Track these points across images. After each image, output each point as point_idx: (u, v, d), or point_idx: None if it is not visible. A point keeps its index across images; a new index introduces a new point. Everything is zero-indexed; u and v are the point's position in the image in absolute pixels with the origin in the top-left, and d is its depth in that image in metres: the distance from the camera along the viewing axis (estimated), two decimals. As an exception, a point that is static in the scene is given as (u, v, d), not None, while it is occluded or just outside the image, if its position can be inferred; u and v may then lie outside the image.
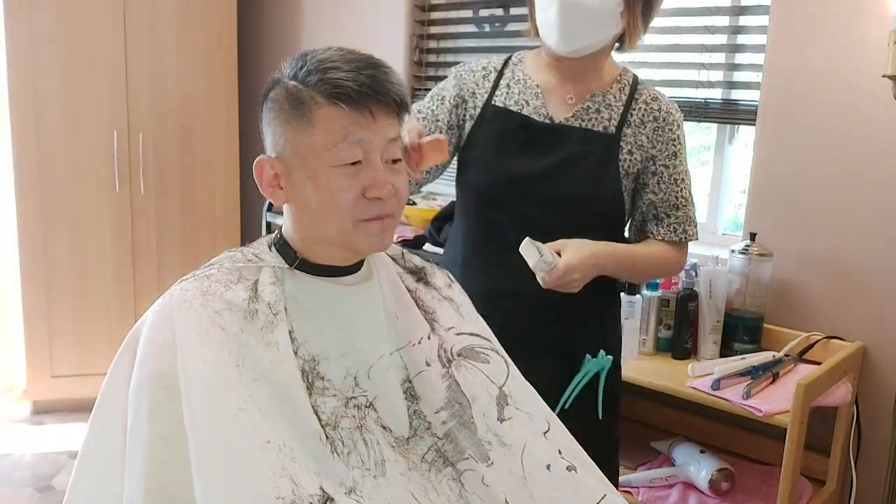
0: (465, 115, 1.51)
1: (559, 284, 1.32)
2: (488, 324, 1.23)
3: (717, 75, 2.14)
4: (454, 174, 1.55)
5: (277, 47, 3.21)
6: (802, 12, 1.89)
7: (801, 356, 1.86)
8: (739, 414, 1.64)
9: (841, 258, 1.88)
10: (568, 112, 1.45)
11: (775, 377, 1.73)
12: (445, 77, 1.57)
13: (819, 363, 1.77)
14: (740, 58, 2.10)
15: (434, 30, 2.77)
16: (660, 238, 1.48)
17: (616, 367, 1.51)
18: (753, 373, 1.74)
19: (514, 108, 1.47)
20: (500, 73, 1.51)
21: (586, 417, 1.44)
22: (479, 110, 1.49)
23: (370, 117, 0.97)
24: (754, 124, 2.01)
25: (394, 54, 2.74)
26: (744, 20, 2.08)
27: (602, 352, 1.45)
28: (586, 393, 1.45)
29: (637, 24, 1.41)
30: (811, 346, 1.87)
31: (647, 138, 1.45)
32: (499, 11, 2.59)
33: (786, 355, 1.85)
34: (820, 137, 1.89)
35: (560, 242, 1.34)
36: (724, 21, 2.11)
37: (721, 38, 2.12)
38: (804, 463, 1.70)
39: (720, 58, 2.12)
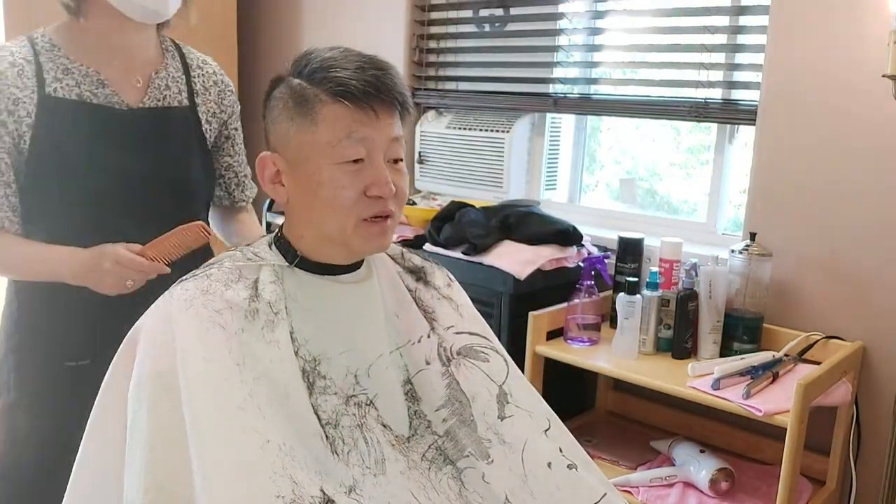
0: (20, 125, 1.26)
1: None
2: None
3: (717, 75, 2.14)
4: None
5: (277, 47, 3.21)
6: (802, 12, 1.89)
7: (801, 356, 1.86)
8: (739, 414, 1.63)
9: (841, 258, 1.88)
10: (142, 95, 1.36)
11: (775, 377, 1.73)
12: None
13: (819, 363, 1.77)
14: (740, 58, 2.10)
15: (434, 30, 2.76)
16: (244, 202, 1.60)
17: None
18: (753, 373, 1.73)
19: (79, 99, 1.30)
20: (38, 64, 1.28)
21: None
22: (35, 108, 1.26)
23: (373, 116, 0.98)
24: (754, 124, 2.01)
25: (394, 54, 2.74)
26: (744, 20, 2.08)
27: None
28: None
29: None
30: (811, 345, 1.87)
31: (216, 104, 1.50)
32: (499, 11, 2.59)
33: (785, 355, 1.85)
34: (820, 137, 1.89)
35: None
36: (724, 21, 2.11)
37: (721, 38, 2.12)
38: (804, 463, 1.69)
39: (720, 58, 2.12)
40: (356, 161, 0.99)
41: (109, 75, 1.33)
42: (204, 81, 1.48)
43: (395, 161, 1.03)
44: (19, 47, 1.30)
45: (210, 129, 1.49)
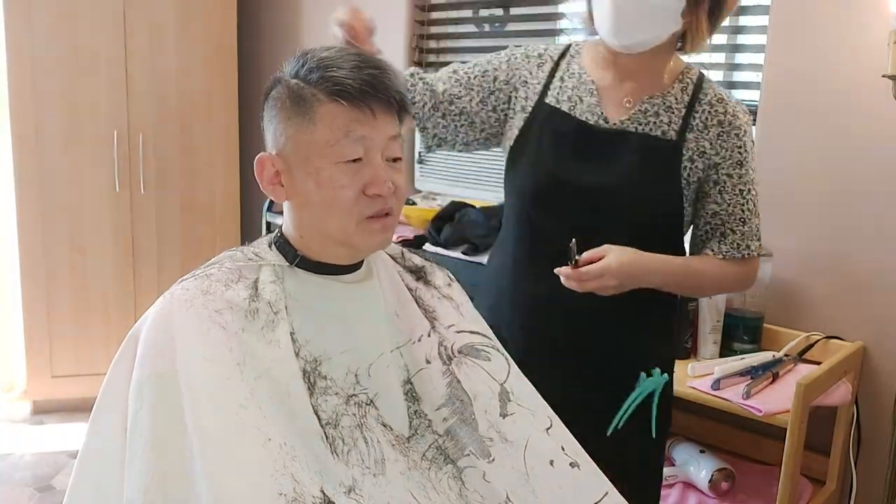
0: (513, 105, 1.43)
1: (590, 287, 1.25)
2: (535, 334, 1.32)
3: (717, 75, 2.14)
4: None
5: (277, 47, 3.21)
6: (802, 12, 1.89)
7: (801, 356, 1.86)
8: (739, 414, 1.64)
9: (841, 258, 1.88)
10: (624, 115, 1.36)
11: (775, 377, 1.73)
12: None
13: (819, 363, 1.77)
14: (740, 58, 2.10)
15: (434, 30, 2.77)
16: (720, 256, 1.38)
17: (669, 384, 1.43)
18: (753, 373, 1.74)
19: (567, 105, 1.38)
20: (557, 65, 1.42)
21: (637, 437, 1.39)
22: (531, 106, 1.41)
23: (370, 115, 0.98)
24: (754, 124, 2.01)
25: (394, 54, 2.74)
26: (744, 20, 2.08)
27: (657, 370, 1.39)
28: (638, 411, 1.39)
29: (701, 25, 1.32)
30: (811, 345, 1.87)
31: (711, 144, 1.35)
32: (499, 11, 2.60)
33: (786, 355, 1.85)
34: (820, 137, 1.89)
35: (604, 247, 1.27)
36: (724, 21, 2.11)
37: (721, 38, 2.12)
38: (804, 463, 1.70)
39: (720, 58, 2.12)
40: (355, 160, 0.99)
41: (602, 86, 1.39)
42: (707, 119, 1.36)
43: (394, 160, 1.03)
44: (554, 47, 1.46)
45: (692, 168, 1.36)
